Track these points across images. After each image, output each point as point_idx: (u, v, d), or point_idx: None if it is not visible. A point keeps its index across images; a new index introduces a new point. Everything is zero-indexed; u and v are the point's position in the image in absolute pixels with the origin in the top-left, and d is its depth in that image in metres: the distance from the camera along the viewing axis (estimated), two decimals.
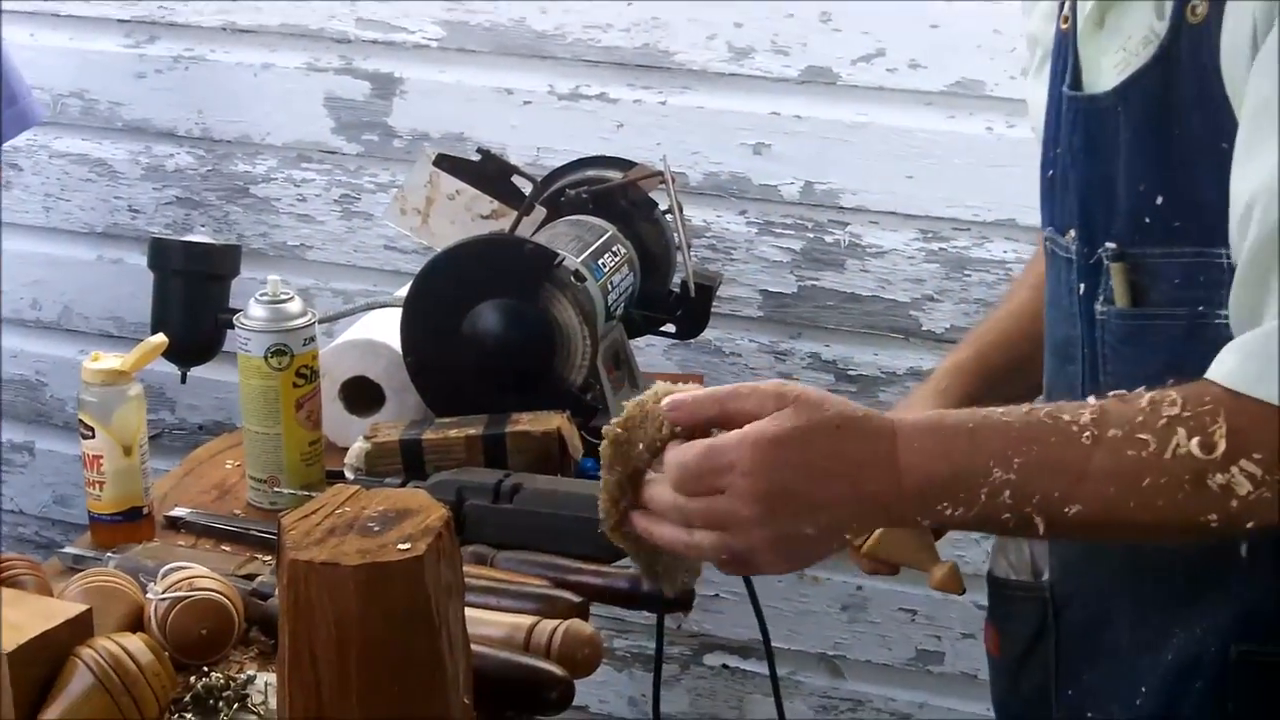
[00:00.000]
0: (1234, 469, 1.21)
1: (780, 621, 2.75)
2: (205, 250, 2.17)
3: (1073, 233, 1.46)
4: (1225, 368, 1.25)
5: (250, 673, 1.51)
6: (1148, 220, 1.37)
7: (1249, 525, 1.23)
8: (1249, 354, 1.24)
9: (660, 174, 2.26)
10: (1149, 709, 1.45)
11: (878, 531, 1.47)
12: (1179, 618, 1.43)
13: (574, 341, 1.96)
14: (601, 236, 2.16)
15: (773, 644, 2.57)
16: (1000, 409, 1.30)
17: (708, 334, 2.56)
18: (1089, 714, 1.52)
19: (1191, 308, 1.36)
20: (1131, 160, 1.38)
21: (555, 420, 1.88)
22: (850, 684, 2.81)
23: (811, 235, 2.57)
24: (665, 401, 1.32)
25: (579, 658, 1.49)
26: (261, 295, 1.91)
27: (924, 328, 2.53)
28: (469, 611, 1.51)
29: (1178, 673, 1.43)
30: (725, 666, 2.88)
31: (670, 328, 2.36)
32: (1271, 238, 1.24)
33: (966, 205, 2.47)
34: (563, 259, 1.95)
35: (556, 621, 1.52)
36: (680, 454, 1.30)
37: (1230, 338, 1.29)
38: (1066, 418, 1.26)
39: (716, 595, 2.80)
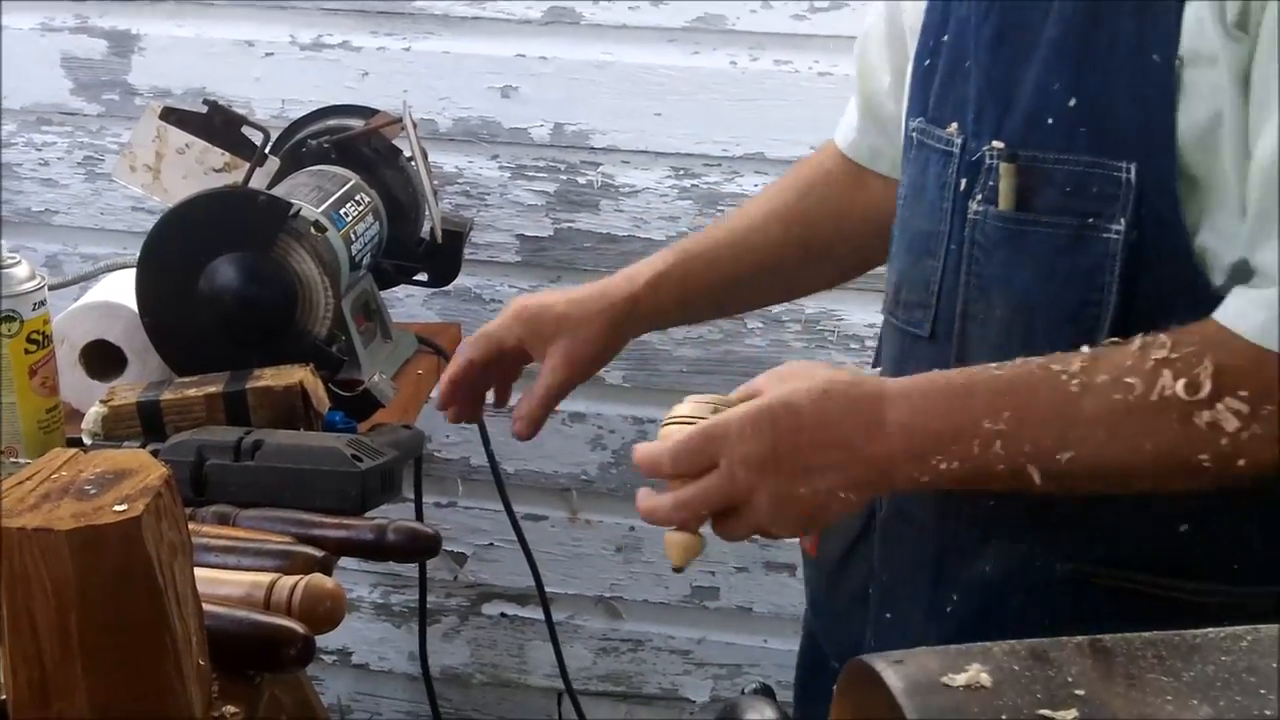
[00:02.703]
0: (1220, 405, 1.23)
1: (555, 566, 2.75)
2: None
3: (955, 126, 1.44)
4: (1229, 311, 1.26)
5: None
6: (1050, 121, 1.35)
7: (1242, 463, 1.24)
8: (1255, 303, 1.25)
9: (400, 120, 2.23)
10: (957, 622, 1.45)
11: None
12: (995, 526, 1.42)
13: (315, 293, 1.92)
14: (344, 186, 2.13)
15: (550, 589, 2.58)
16: (994, 364, 1.32)
17: (467, 281, 2.55)
18: (886, 615, 1.53)
19: (1080, 218, 1.33)
20: (1051, 57, 1.35)
21: (298, 374, 1.84)
22: (629, 624, 2.82)
23: (564, 177, 2.55)
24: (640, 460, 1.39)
25: (320, 612, 1.46)
26: None
27: None
28: (207, 572, 1.47)
29: (998, 585, 1.42)
30: (504, 615, 2.88)
31: (423, 276, 2.33)
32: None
33: (715, 141, 2.47)
34: (298, 209, 1.91)
35: (296, 578, 1.49)
36: (676, 433, 1.35)
37: (1113, 254, 1.31)
38: (1057, 367, 1.28)
39: (491, 544, 2.80)
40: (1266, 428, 1.23)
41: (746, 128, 2.44)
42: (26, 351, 1.85)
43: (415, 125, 2.24)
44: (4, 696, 1.32)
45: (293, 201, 1.93)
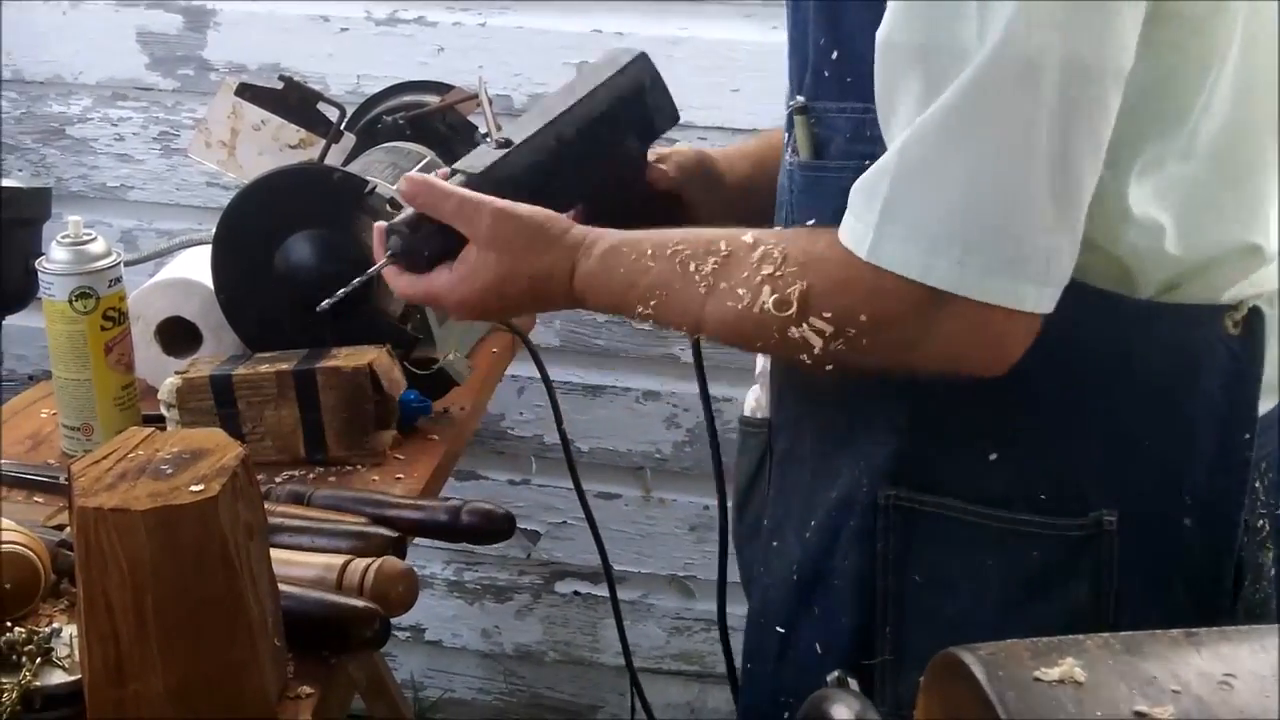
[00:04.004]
0: (805, 325, 1.32)
1: (628, 545, 2.74)
2: (10, 194, 2.10)
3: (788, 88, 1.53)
4: (843, 221, 1.33)
5: (56, 625, 1.46)
6: (826, 74, 1.41)
7: (830, 369, 1.34)
8: (853, 209, 1.32)
9: (476, 96, 2.21)
10: (814, 541, 1.51)
11: None
12: (845, 452, 1.50)
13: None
14: (419, 163, 2.11)
15: (623, 568, 2.57)
16: (664, 239, 1.43)
17: None
18: (774, 543, 1.59)
19: (860, 161, 1.37)
20: (816, 14, 1.42)
21: (370, 354, 1.83)
22: (702, 604, 2.80)
23: None
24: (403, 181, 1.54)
25: (392, 595, 1.45)
26: (63, 237, 1.85)
27: None
28: (280, 553, 1.47)
29: (838, 509, 1.50)
30: (577, 593, 2.87)
31: None
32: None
33: None
34: (373, 186, 1.90)
35: (369, 560, 1.48)
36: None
37: None
38: (694, 266, 1.40)
39: (564, 523, 2.79)
40: (851, 347, 1.32)
41: None
42: (102, 328, 1.85)
43: (490, 101, 2.22)
44: (80, 675, 1.32)
45: (368, 178, 1.91)
